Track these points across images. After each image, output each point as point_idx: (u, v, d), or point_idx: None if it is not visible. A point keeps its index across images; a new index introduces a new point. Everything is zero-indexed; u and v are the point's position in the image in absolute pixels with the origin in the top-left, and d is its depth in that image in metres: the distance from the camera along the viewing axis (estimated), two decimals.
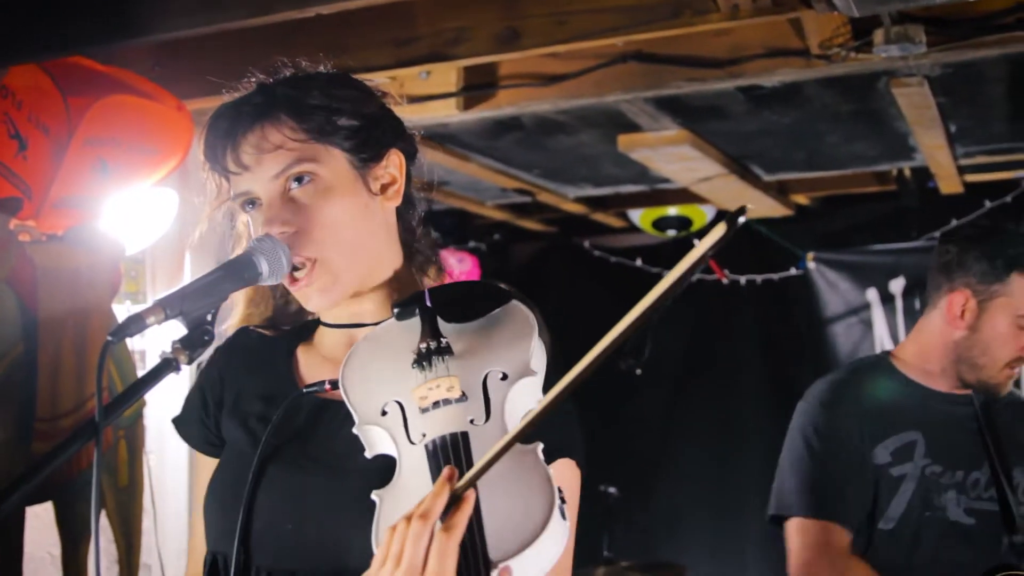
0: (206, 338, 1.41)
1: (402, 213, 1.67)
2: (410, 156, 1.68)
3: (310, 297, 1.56)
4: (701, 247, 1.07)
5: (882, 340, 5.28)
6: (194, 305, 1.41)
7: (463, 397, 1.40)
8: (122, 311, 3.49)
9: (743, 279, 5.64)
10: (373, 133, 1.60)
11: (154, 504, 3.60)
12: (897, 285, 5.28)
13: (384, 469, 1.40)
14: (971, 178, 4.86)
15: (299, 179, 1.53)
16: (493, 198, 5.30)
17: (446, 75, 3.39)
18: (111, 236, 3.36)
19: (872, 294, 5.35)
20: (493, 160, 4.39)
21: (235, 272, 1.47)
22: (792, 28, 3.00)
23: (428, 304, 1.51)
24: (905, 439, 2.65)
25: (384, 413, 1.43)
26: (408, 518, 1.24)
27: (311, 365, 1.65)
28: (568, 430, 1.50)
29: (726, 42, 3.11)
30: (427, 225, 1.74)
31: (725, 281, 5.59)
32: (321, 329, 1.68)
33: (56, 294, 3.20)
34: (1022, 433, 2.75)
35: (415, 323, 1.51)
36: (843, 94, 3.50)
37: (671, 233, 5.61)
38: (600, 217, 5.69)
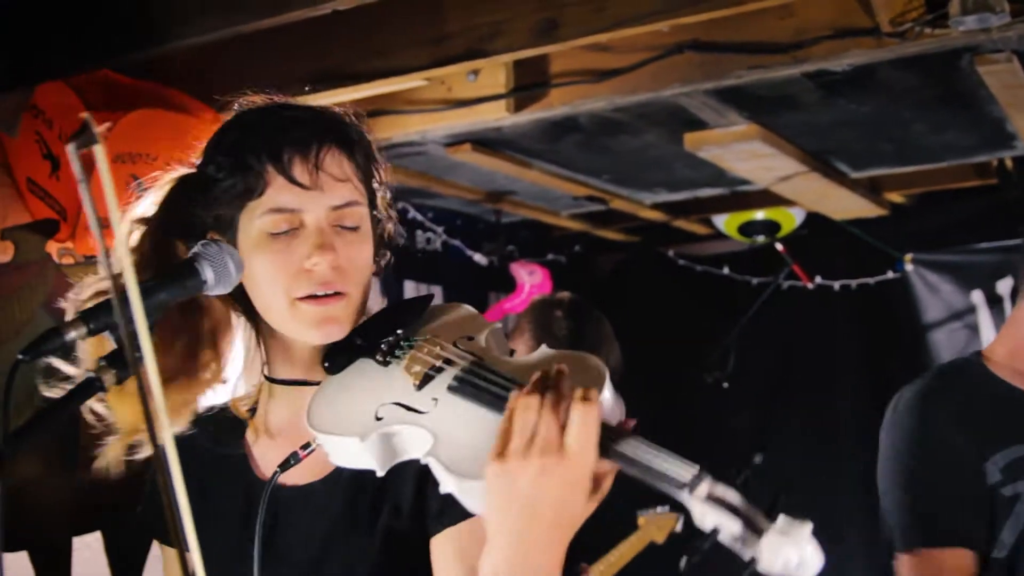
0: (138, 355, 1.25)
1: None
2: (378, 215, 1.59)
3: (324, 322, 1.45)
4: None
5: None
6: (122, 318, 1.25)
7: (447, 362, 1.38)
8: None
9: (837, 284, 5.34)
10: (373, 196, 1.56)
11: None
12: (1005, 286, 4.91)
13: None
14: None
15: (356, 223, 1.48)
16: (567, 207, 5.13)
17: (494, 76, 3.26)
18: None
19: (977, 296, 5.01)
20: (556, 166, 4.22)
21: (174, 280, 1.32)
22: (859, 4, 2.78)
23: (357, 341, 1.44)
24: (1016, 453, 2.34)
25: (379, 418, 1.35)
26: (527, 394, 1.22)
27: (263, 447, 1.55)
28: None
29: (788, 24, 2.90)
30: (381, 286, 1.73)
31: (811, 286, 5.30)
32: (268, 398, 1.57)
33: None
34: None
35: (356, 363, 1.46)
36: (924, 76, 3.24)
37: (759, 239, 5.34)
38: (682, 224, 5.47)
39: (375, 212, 1.53)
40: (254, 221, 1.44)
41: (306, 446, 1.44)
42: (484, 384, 1.32)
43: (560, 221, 5.35)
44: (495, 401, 1.29)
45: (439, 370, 1.37)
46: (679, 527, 4.27)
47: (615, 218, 5.43)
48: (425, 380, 1.36)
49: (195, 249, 1.36)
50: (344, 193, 1.45)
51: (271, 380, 1.55)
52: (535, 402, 1.20)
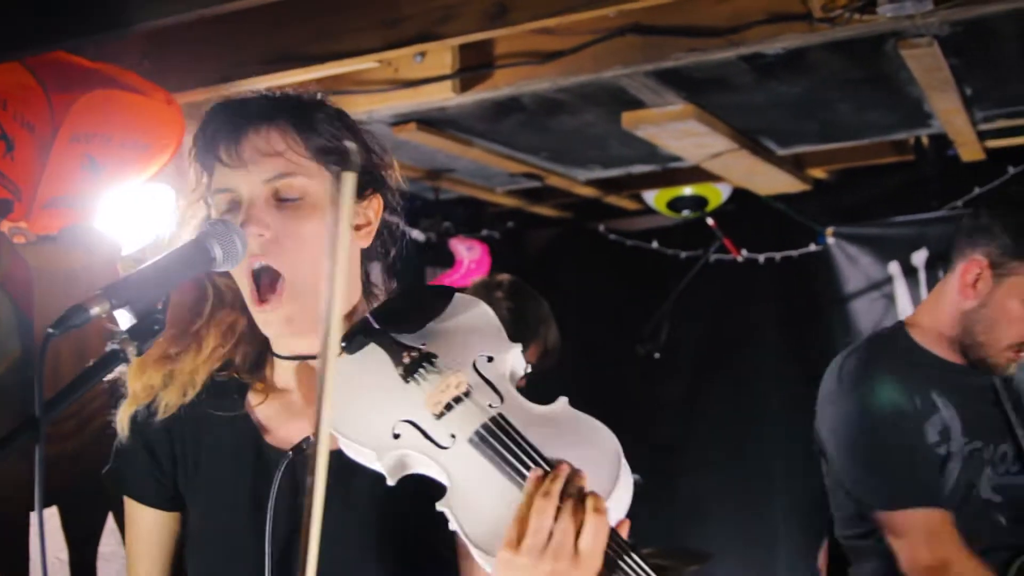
0: (156, 328, 1.34)
1: (369, 256, 1.66)
2: (390, 207, 1.65)
3: (271, 323, 1.52)
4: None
5: (906, 314, 5.13)
6: (142, 294, 1.34)
7: (469, 390, 1.43)
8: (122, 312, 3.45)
9: (761, 257, 5.53)
10: (364, 172, 1.56)
11: None
12: (919, 257, 5.13)
13: (408, 497, 1.42)
14: (992, 143, 4.71)
15: (291, 192, 1.51)
16: (503, 184, 5.22)
17: (441, 57, 3.33)
18: (107, 235, 3.31)
19: (894, 267, 5.21)
20: (497, 144, 4.31)
21: (186, 258, 1.40)
22: None
23: (376, 326, 1.49)
24: (946, 416, 2.54)
25: (396, 436, 1.42)
26: (542, 495, 1.30)
27: (269, 411, 1.61)
28: None
29: (726, 9, 3.03)
30: (392, 275, 1.74)
31: (740, 259, 5.48)
32: (274, 364, 1.64)
33: (52, 296, 3.15)
34: None
35: (371, 349, 1.50)
36: (851, 59, 3.39)
37: (686, 213, 5.50)
38: (614, 200, 5.60)
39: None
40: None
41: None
42: (505, 450, 1.36)
43: (495, 198, 5.43)
44: (513, 474, 1.35)
45: (459, 400, 1.42)
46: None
47: (549, 194, 5.53)
48: (445, 410, 1.42)
49: (203, 228, 1.44)
50: (274, 166, 1.49)
51: (277, 356, 1.61)
52: (552, 507, 1.28)
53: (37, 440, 1.22)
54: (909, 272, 5.17)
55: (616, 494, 1.34)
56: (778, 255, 5.52)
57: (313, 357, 1.56)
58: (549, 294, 3.55)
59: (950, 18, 2.88)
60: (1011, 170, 4.84)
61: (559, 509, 1.28)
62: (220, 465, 1.60)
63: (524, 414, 1.41)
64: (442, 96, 3.38)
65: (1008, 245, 2.51)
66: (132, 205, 3.27)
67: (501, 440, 1.37)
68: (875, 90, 3.81)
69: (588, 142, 4.40)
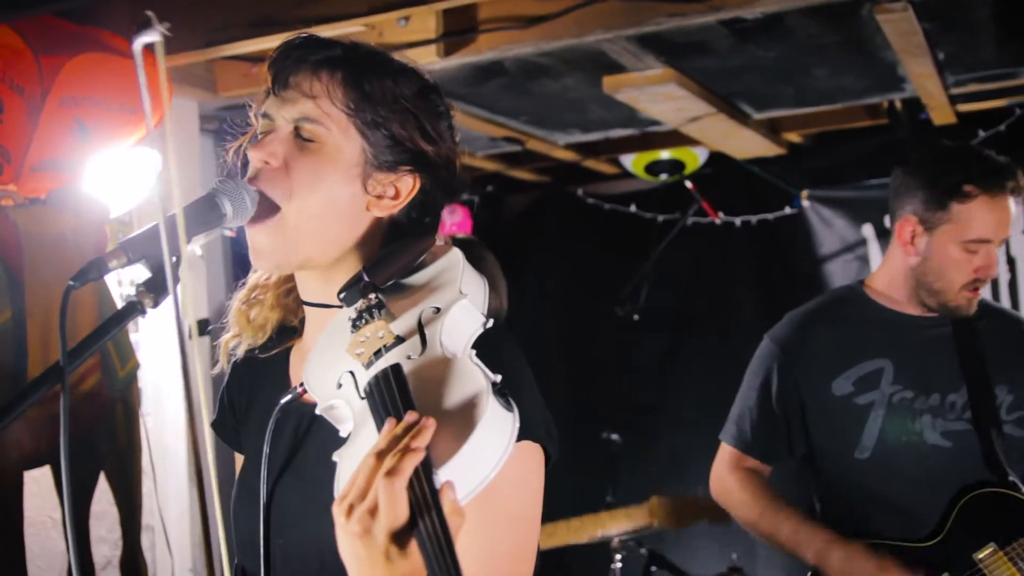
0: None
1: (398, 227, 1.60)
2: (426, 193, 1.59)
3: (257, 247, 1.55)
4: None
5: None
6: (157, 248, 1.39)
7: (398, 340, 1.39)
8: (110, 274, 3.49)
9: (738, 220, 5.60)
10: (403, 151, 1.55)
11: (153, 466, 3.61)
12: None
13: None
14: (964, 107, 4.80)
15: (311, 136, 1.53)
16: (483, 148, 5.26)
17: (425, 21, 3.36)
18: (95, 198, 3.35)
19: (868, 229, 5.32)
20: (479, 108, 4.35)
21: (197, 214, 1.45)
22: None
23: (366, 279, 1.47)
24: (869, 368, 2.73)
25: (340, 386, 1.42)
26: (374, 454, 1.23)
27: (298, 364, 1.68)
28: (531, 412, 1.43)
29: None
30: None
31: (718, 222, 5.56)
32: (306, 317, 1.68)
33: (42, 258, 3.19)
34: (1003, 347, 2.80)
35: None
36: (827, 24, 3.45)
37: (664, 177, 5.56)
38: (592, 164, 5.65)
39: (379, 157, 1.54)
40: None
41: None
42: (380, 402, 1.29)
43: (475, 162, 5.46)
44: (379, 425, 1.28)
45: (382, 351, 1.37)
46: None
47: (528, 158, 5.56)
48: (374, 358, 1.38)
49: (214, 185, 1.49)
50: (304, 108, 1.52)
51: (303, 301, 1.66)
52: (372, 463, 1.21)
53: (64, 388, 1.27)
54: (882, 234, 5.28)
55: (464, 451, 1.22)
56: (754, 218, 5.60)
57: (326, 306, 1.58)
58: (529, 257, 3.61)
59: None
60: (981, 133, 4.93)
61: (377, 468, 1.20)
62: (258, 408, 1.68)
63: (431, 367, 1.34)
64: (426, 60, 3.40)
65: (929, 199, 2.71)
66: (119, 168, 3.30)
67: (380, 392, 1.30)
68: (850, 54, 3.87)
69: (568, 106, 4.44)
